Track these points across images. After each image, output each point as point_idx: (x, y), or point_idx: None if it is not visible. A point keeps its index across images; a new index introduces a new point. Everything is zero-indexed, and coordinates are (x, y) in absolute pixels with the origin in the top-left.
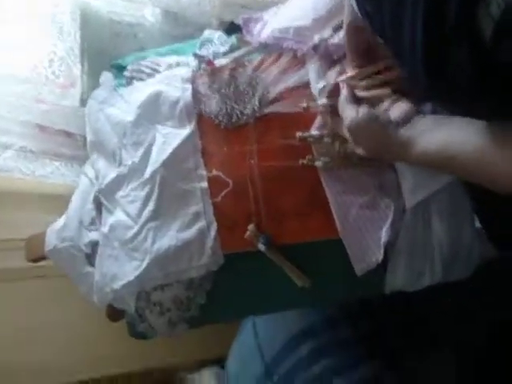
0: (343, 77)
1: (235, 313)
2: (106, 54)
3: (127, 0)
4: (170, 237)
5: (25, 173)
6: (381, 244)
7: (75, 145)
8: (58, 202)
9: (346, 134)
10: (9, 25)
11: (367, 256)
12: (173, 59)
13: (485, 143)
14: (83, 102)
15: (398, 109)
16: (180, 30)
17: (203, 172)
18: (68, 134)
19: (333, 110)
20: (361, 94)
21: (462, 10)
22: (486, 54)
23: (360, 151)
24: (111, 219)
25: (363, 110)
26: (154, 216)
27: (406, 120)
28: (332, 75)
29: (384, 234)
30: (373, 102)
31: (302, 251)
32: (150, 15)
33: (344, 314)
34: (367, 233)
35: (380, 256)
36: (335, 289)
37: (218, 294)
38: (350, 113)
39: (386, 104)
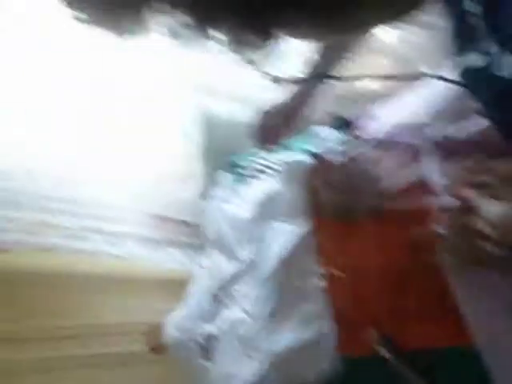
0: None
1: None
2: (223, 152)
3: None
4: (288, 338)
5: (146, 259)
6: None
7: (192, 233)
8: (173, 287)
9: (487, 231)
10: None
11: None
12: (285, 156)
13: None
14: (202, 195)
15: None
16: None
17: (320, 270)
18: (186, 224)
19: (461, 207)
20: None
21: None
22: None
23: (502, 247)
24: (230, 316)
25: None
26: (273, 314)
27: None
28: (456, 171)
29: None
30: None
31: (427, 358)
32: None
33: None
34: (510, 342)
35: None
36: None
37: None
38: (494, 207)
39: None
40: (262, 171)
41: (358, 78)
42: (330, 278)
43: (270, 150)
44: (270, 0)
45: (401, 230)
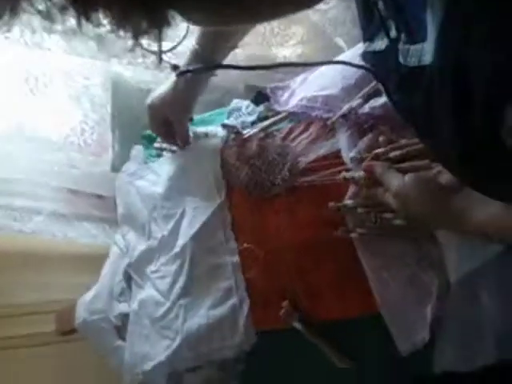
0: (380, 150)
1: None
2: (136, 122)
3: (155, 69)
4: (201, 315)
5: (56, 235)
6: (427, 322)
7: (106, 207)
8: (89, 262)
9: (390, 201)
10: (43, 96)
11: (412, 335)
12: (201, 130)
13: None
14: (114, 167)
15: (446, 176)
16: (207, 95)
17: (234, 245)
18: (99, 197)
19: (368, 179)
20: (403, 165)
21: (487, 130)
22: None
23: (404, 218)
24: (141, 295)
25: (412, 175)
26: (185, 292)
27: (459, 187)
28: (363, 144)
29: (429, 311)
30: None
31: (340, 328)
32: None
33: None
34: (411, 310)
35: (427, 335)
36: (378, 370)
37: (252, 375)
38: (396, 179)
39: (433, 171)
40: (178, 146)
41: (266, 67)
42: (245, 254)
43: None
44: None
45: (313, 204)
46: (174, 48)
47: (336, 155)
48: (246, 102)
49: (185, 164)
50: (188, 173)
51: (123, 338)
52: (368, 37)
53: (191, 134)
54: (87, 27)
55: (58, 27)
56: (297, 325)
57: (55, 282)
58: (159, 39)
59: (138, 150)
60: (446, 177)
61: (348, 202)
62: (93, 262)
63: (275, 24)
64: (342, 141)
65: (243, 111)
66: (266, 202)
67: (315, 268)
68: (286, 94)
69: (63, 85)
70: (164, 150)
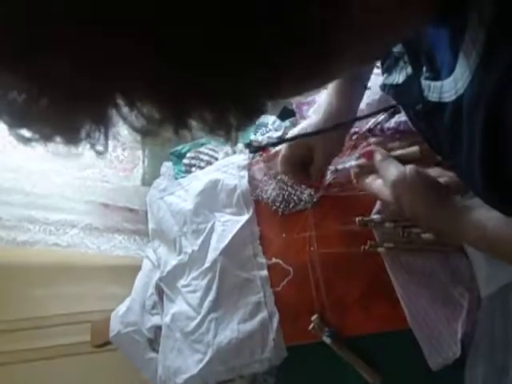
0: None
1: None
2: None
3: None
4: (232, 329)
5: (90, 247)
6: (458, 337)
7: (137, 219)
8: (122, 274)
9: (383, 191)
10: None
11: (443, 350)
12: (229, 146)
13: None
14: (144, 182)
15: (450, 175)
16: None
17: (263, 260)
18: (130, 210)
19: (360, 168)
20: (396, 152)
21: None
22: None
23: (402, 210)
24: (173, 309)
25: (414, 167)
26: (216, 306)
27: (459, 188)
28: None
29: (460, 327)
30: None
31: (369, 343)
32: None
33: None
34: (442, 326)
35: (458, 350)
36: None
37: None
38: (394, 169)
39: (435, 170)
40: (205, 161)
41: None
42: (273, 268)
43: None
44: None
45: (340, 218)
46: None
47: None
48: (272, 118)
49: (213, 180)
50: (216, 189)
51: (156, 351)
52: (385, 69)
53: (220, 150)
54: None
55: None
56: (326, 339)
57: (89, 293)
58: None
59: (167, 167)
60: (445, 178)
61: (375, 216)
62: (125, 273)
63: None
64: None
65: (269, 127)
66: (293, 216)
67: (343, 282)
68: (312, 109)
69: None
70: (193, 166)
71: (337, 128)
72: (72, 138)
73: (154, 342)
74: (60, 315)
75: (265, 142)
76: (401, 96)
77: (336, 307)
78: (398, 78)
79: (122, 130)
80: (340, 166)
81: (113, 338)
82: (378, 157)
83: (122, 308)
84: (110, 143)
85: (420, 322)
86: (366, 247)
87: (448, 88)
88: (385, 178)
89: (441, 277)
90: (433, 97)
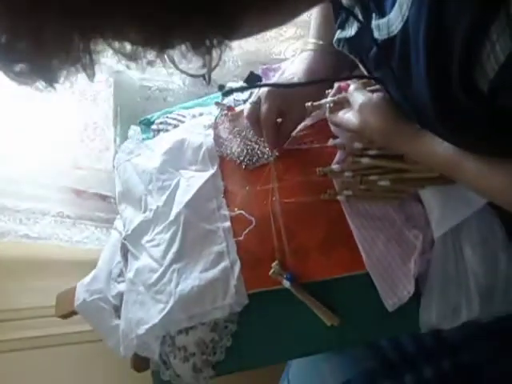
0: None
1: (263, 357)
2: (137, 116)
3: (157, 66)
4: (194, 277)
5: (62, 239)
6: (411, 276)
7: (110, 208)
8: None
9: (350, 118)
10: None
11: (398, 290)
12: (197, 110)
13: (484, 159)
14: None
15: None
16: (206, 90)
17: (226, 212)
18: (103, 198)
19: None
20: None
21: (462, 75)
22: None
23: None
24: (137, 264)
25: (381, 94)
26: (178, 257)
27: None
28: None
29: (413, 265)
30: None
31: (328, 287)
32: (177, 79)
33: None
34: (396, 265)
35: (411, 288)
36: (366, 327)
37: (244, 335)
38: (365, 95)
39: None
40: (173, 125)
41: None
42: (236, 219)
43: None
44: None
45: (302, 171)
46: (215, 67)
47: (322, 123)
48: (240, 83)
49: (179, 139)
50: (182, 147)
51: (119, 317)
52: (339, 25)
53: (187, 114)
54: None
55: None
56: (286, 283)
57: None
58: (210, 60)
59: (135, 130)
60: None
61: (334, 166)
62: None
63: None
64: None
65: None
66: (256, 170)
67: (304, 229)
68: (277, 74)
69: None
70: (161, 130)
71: (316, 83)
72: (52, 74)
73: (119, 309)
74: (31, 308)
75: (237, 87)
76: (355, 48)
77: (297, 254)
78: (351, 31)
79: (94, 109)
80: (316, 103)
81: (78, 307)
82: (351, 88)
83: (87, 277)
84: (82, 120)
85: (375, 262)
86: (326, 196)
87: (394, 18)
88: (354, 105)
89: (396, 221)
90: (383, 35)
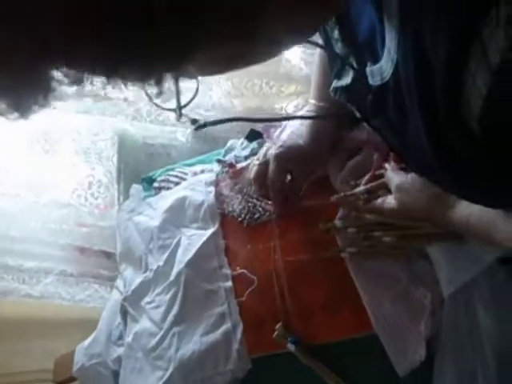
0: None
1: None
2: (140, 173)
3: (160, 124)
4: (195, 341)
5: (65, 298)
6: (422, 339)
7: (114, 265)
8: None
9: (389, 201)
10: (52, 153)
11: (408, 354)
12: (198, 167)
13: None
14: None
15: None
16: (209, 146)
17: (227, 271)
18: (107, 255)
19: (357, 200)
20: None
21: (449, 110)
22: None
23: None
24: (136, 328)
25: (414, 174)
26: (179, 320)
27: None
28: (352, 164)
29: (424, 328)
30: None
31: (335, 350)
32: (180, 135)
33: None
34: (404, 326)
35: (423, 352)
36: None
37: None
38: (400, 176)
39: None
40: (174, 183)
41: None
42: (238, 279)
43: None
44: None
45: (304, 227)
46: (189, 102)
47: (324, 180)
48: (241, 140)
49: (181, 197)
50: (184, 205)
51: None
52: (335, 74)
53: (189, 172)
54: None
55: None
56: (290, 347)
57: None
58: (177, 95)
59: (136, 189)
60: None
61: (337, 222)
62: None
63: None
64: (329, 166)
65: (237, 148)
66: (258, 228)
67: (307, 289)
68: (278, 130)
69: (71, 142)
70: (163, 188)
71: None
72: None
73: (119, 375)
74: (30, 372)
75: (211, 120)
76: (352, 96)
77: (301, 314)
78: (347, 79)
79: (98, 167)
80: (348, 193)
81: (76, 372)
82: (388, 168)
83: (87, 340)
84: (85, 179)
85: (384, 325)
86: (330, 253)
87: (385, 63)
88: (392, 186)
89: (402, 279)
90: (376, 81)
